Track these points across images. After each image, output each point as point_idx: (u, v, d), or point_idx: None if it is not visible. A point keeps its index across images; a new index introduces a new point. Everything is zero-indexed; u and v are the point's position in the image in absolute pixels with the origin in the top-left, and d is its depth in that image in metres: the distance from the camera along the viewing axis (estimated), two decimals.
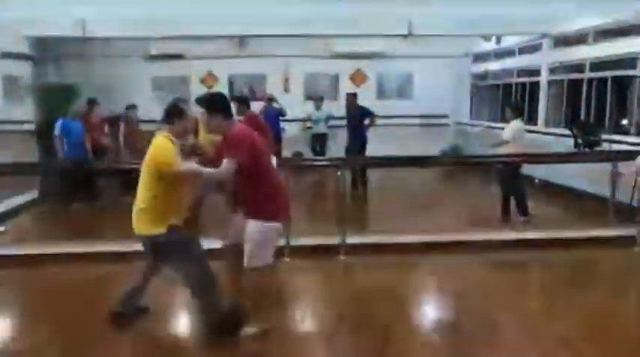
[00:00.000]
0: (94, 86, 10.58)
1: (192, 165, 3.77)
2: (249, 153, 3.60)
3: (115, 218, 7.81)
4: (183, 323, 4.27)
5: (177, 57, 12.03)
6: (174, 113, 3.76)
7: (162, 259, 3.84)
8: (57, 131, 8.11)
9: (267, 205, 3.70)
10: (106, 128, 9.37)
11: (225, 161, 3.58)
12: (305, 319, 4.27)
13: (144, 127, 10.08)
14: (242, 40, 11.73)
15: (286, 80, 12.72)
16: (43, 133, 9.31)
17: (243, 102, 6.19)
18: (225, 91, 12.41)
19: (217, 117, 3.70)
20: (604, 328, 3.95)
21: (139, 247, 3.85)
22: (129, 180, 8.42)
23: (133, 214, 3.78)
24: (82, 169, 7.65)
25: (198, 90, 12.42)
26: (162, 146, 3.67)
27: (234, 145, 3.60)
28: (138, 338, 3.89)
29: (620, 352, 3.58)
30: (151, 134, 3.82)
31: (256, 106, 8.97)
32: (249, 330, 3.77)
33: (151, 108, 11.25)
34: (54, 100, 9.84)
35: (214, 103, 3.74)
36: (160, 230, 3.67)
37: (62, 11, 8.03)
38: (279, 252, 5.48)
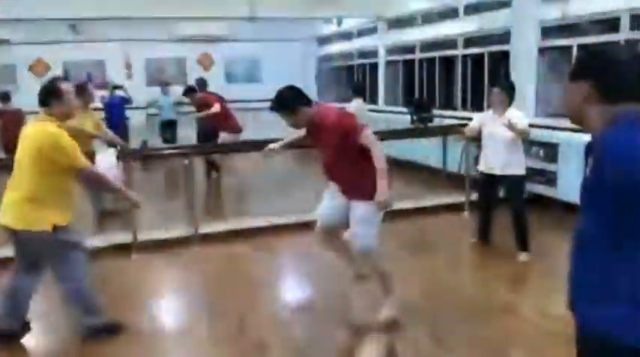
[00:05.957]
0: None
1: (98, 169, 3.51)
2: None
3: None
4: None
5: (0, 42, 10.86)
6: (50, 93, 3.31)
7: (37, 258, 3.43)
8: None
9: (374, 182, 3.46)
10: None
11: (369, 138, 3.40)
12: (158, 315, 4.17)
13: None
14: (75, 24, 10.87)
15: (128, 66, 12.07)
16: None
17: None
18: None
19: (300, 111, 3.50)
20: (440, 288, 4.36)
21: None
22: None
23: (3, 205, 3.33)
24: None
25: (26, 79, 11.35)
26: (54, 134, 3.19)
27: (349, 122, 3.51)
28: None
29: (455, 309, 3.97)
30: None
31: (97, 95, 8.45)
32: (384, 315, 3.65)
33: None
34: None
35: (288, 102, 3.53)
36: (42, 227, 3.25)
37: None
38: (127, 249, 5.30)
